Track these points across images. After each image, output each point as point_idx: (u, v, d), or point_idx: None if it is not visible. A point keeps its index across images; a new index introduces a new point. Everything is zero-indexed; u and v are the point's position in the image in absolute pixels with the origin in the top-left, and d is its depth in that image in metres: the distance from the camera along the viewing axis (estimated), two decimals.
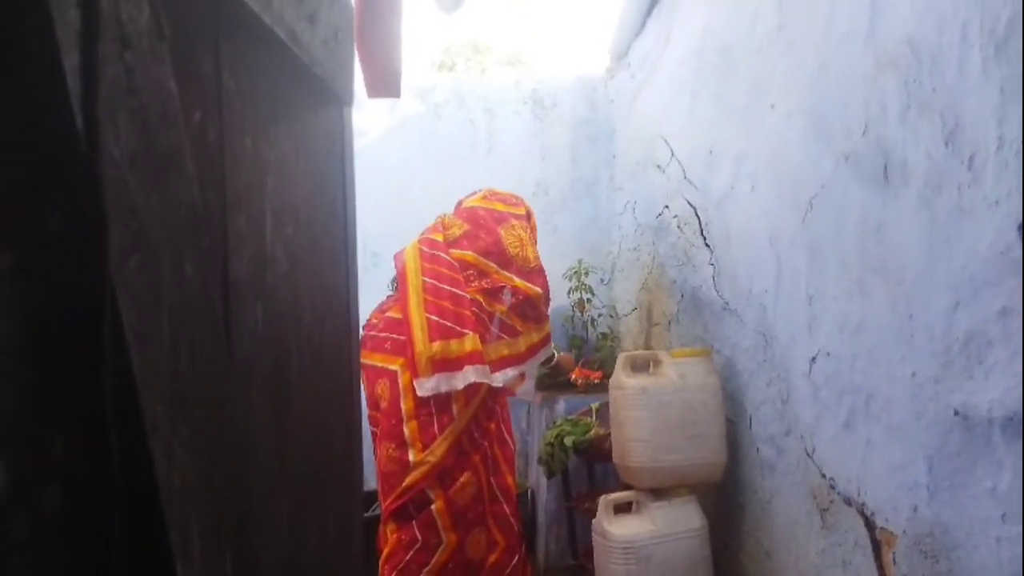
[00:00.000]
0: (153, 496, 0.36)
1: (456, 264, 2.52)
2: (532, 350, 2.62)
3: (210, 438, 0.42)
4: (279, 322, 0.60)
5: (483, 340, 2.45)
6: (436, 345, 2.32)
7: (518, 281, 2.56)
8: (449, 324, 2.37)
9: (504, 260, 2.58)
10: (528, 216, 2.84)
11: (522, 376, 2.71)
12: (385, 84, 1.65)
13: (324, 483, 0.73)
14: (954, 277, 1.35)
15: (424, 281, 2.44)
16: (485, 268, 2.55)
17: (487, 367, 2.39)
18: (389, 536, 2.32)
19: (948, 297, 1.37)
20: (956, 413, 1.36)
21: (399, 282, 2.53)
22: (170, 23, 0.40)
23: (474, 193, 2.88)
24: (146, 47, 0.37)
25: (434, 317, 2.37)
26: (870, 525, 1.65)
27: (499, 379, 2.46)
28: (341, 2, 0.73)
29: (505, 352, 2.52)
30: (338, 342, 0.79)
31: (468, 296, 2.46)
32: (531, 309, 2.60)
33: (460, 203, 2.88)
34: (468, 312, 2.42)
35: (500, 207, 2.76)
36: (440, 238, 2.60)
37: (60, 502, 0.33)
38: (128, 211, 0.35)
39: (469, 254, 2.56)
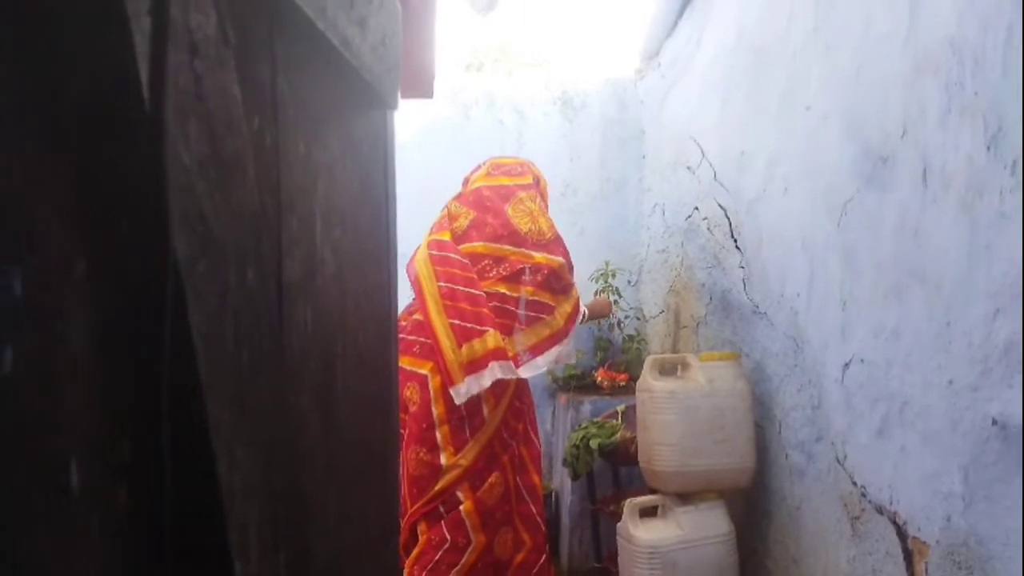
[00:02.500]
0: (214, 497, 0.37)
1: (467, 261, 2.46)
2: (570, 320, 2.56)
3: (267, 440, 0.43)
4: (327, 324, 0.61)
5: (510, 332, 2.42)
6: (464, 350, 2.31)
7: (538, 256, 2.49)
8: (470, 325, 2.34)
9: (517, 239, 2.50)
10: (536, 182, 2.75)
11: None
12: (418, 85, 1.65)
13: (366, 481, 0.74)
14: (994, 284, 1.33)
15: (440, 286, 2.38)
16: (500, 254, 2.48)
17: (511, 363, 2.36)
18: (419, 536, 2.33)
19: (988, 304, 1.34)
20: (994, 422, 1.34)
21: (415, 292, 2.48)
22: (232, 30, 0.41)
23: (479, 167, 2.80)
24: (213, 55, 0.37)
25: (456, 321, 2.35)
26: (902, 534, 1.63)
27: (529, 370, 2.42)
28: (389, 7, 0.74)
29: (547, 333, 2.47)
30: (381, 343, 0.80)
31: (484, 293, 2.41)
32: (557, 281, 2.54)
33: (466, 181, 2.80)
34: (485, 310, 2.38)
35: (505, 181, 2.68)
36: (447, 236, 2.53)
37: (127, 501, 0.34)
38: (197, 217, 0.35)
39: (479, 245, 2.49)
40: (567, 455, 2.99)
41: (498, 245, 2.49)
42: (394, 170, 0.87)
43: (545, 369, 2.51)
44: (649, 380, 2.34)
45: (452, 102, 3.99)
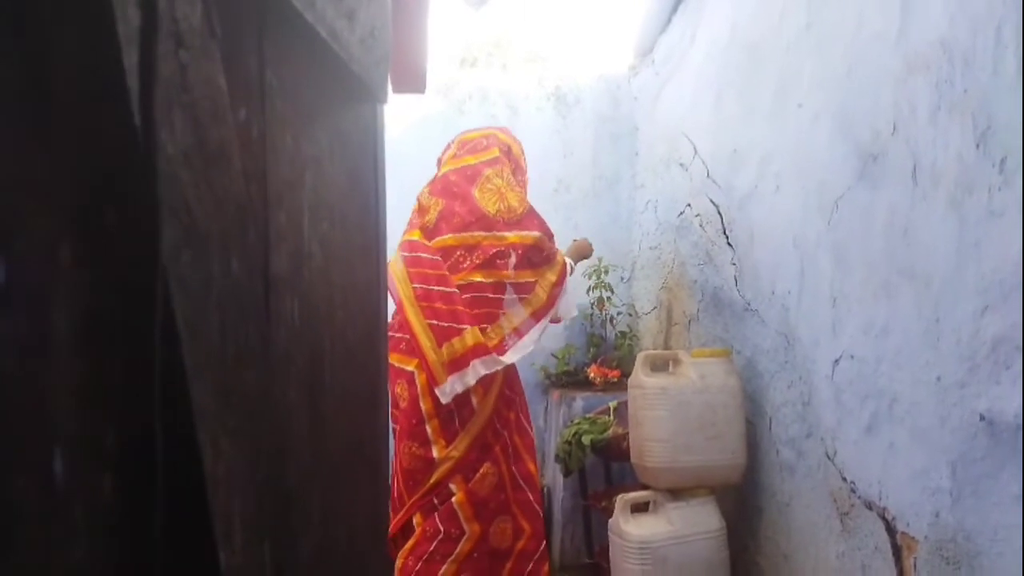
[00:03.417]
0: (199, 486, 0.37)
1: (438, 258, 2.40)
2: (555, 288, 2.48)
3: (253, 430, 0.43)
4: (314, 318, 0.61)
5: (493, 319, 2.36)
6: (444, 349, 2.29)
7: (511, 236, 2.42)
8: (446, 324, 2.31)
9: (487, 223, 2.42)
10: (507, 152, 2.63)
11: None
12: (411, 80, 1.65)
13: (354, 476, 0.74)
14: (983, 281, 1.34)
15: (415, 288, 2.34)
16: (472, 242, 2.41)
17: (493, 356, 2.33)
18: (415, 528, 2.34)
19: (976, 301, 1.35)
20: (982, 418, 1.35)
21: (392, 295, 2.40)
22: (219, 21, 0.41)
23: (448, 146, 2.72)
24: (199, 45, 0.37)
25: (434, 321, 2.31)
26: (891, 530, 1.64)
27: (516, 353, 2.38)
28: (379, 0, 0.74)
29: (528, 312, 2.43)
30: (369, 338, 0.80)
31: (457, 289, 2.36)
32: (536, 254, 2.47)
33: (439, 162, 2.73)
34: (460, 307, 2.34)
35: (471, 160, 2.58)
36: (417, 235, 2.47)
37: (112, 491, 0.34)
38: (182, 206, 0.35)
39: (449, 238, 2.43)
40: (559, 451, 2.99)
41: (468, 233, 2.42)
42: (384, 164, 0.87)
43: (532, 347, 2.44)
44: (641, 376, 2.35)
45: (445, 97, 3.99)
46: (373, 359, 0.82)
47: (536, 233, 2.47)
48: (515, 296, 2.42)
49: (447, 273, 2.39)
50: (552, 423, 3.54)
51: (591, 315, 3.75)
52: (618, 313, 3.82)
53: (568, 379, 3.61)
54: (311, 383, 0.60)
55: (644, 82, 3.89)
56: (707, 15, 2.96)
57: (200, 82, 0.38)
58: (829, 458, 1.90)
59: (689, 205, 3.07)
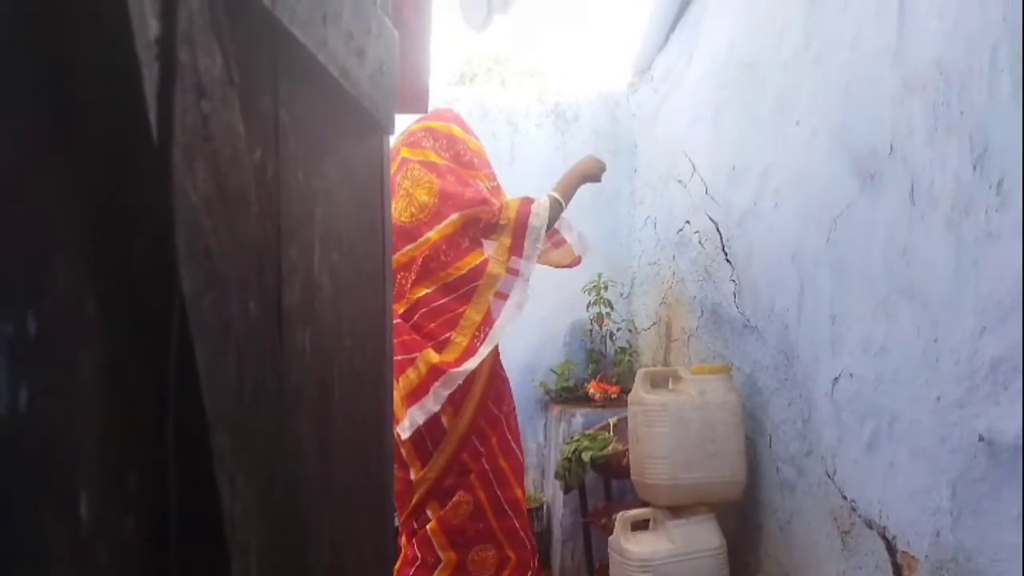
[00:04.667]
0: (217, 524, 0.38)
1: None
2: (512, 252, 2.34)
3: (267, 466, 0.44)
4: (324, 348, 0.62)
5: (453, 325, 2.27)
6: (401, 383, 2.23)
7: (433, 235, 2.28)
8: (400, 358, 2.24)
9: (407, 234, 2.29)
10: (427, 137, 2.41)
11: (559, 243, 2.49)
12: (413, 102, 1.66)
13: (360, 502, 0.75)
14: (981, 302, 1.35)
15: None
16: (404, 260, 2.29)
17: (452, 370, 2.22)
18: (400, 551, 2.32)
19: (974, 321, 1.36)
20: (981, 439, 1.35)
21: None
22: (237, 68, 0.42)
23: None
24: (219, 95, 0.38)
25: None
26: (891, 549, 1.64)
27: (490, 343, 2.28)
28: (387, 36, 0.75)
29: (490, 296, 2.31)
30: (376, 364, 0.81)
31: (401, 319, 2.27)
32: (473, 230, 2.33)
33: None
34: (407, 336, 2.26)
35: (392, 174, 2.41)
36: None
37: (134, 531, 0.35)
38: (203, 252, 0.36)
39: None
40: (559, 468, 2.99)
41: (399, 253, 2.31)
42: (389, 191, 0.88)
43: (510, 326, 2.32)
44: (641, 393, 2.35)
45: None
46: (379, 384, 0.83)
47: (453, 216, 2.29)
48: (462, 292, 2.30)
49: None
50: (552, 439, 3.54)
51: (590, 331, 3.75)
52: (617, 329, 3.82)
53: (568, 395, 3.61)
54: (321, 412, 0.60)
55: (643, 99, 3.92)
56: (704, 33, 2.98)
57: (220, 130, 0.39)
58: (829, 476, 1.91)
59: (688, 222, 3.08)
